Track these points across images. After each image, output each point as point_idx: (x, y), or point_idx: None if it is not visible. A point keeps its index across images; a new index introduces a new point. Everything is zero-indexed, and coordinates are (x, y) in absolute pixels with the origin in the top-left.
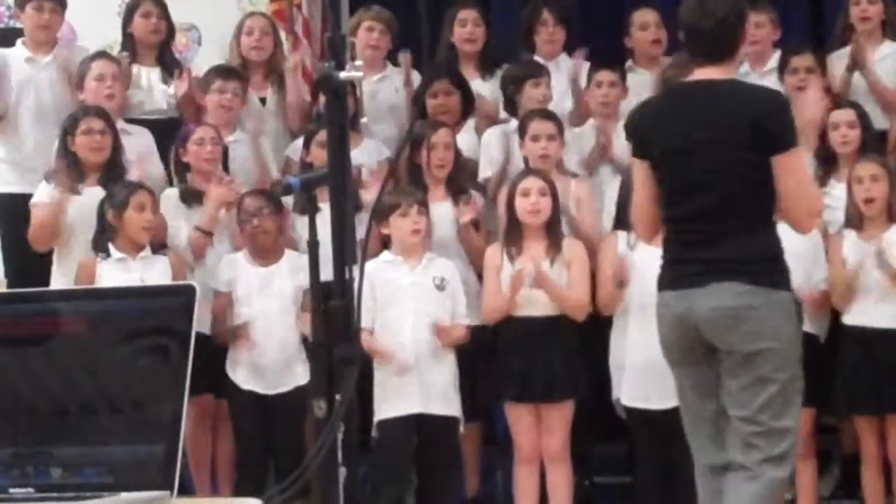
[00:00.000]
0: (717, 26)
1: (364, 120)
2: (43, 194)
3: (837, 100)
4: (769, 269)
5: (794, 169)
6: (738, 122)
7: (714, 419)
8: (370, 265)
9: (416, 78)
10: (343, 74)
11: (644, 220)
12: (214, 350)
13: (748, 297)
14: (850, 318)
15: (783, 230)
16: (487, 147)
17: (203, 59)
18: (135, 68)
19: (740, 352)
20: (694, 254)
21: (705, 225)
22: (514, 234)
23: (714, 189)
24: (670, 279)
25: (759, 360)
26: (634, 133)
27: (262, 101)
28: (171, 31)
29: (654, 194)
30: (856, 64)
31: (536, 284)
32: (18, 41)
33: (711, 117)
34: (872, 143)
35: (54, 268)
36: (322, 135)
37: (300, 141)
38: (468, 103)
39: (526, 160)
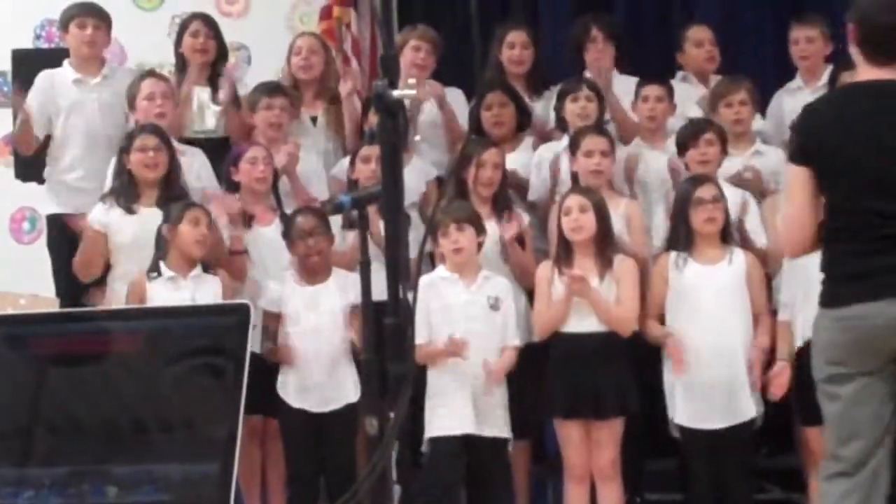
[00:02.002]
0: None
1: (417, 138)
2: (98, 215)
3: None
4: None
5: None
6: None
7: (877, 438)
8: (424, 279)
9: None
10: (396, 93)
11: (802, 232)
12: (264, 369)
13: None
14: None
15: None
16: (539, 166)
17: (253, 78)
18: (187, 88)
19: None
20: (888, 260)
21: (892, 229)
22: (564, 252)
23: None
24: (862, 291)
25: None
26: (799, 137)
27: (314, 119)
28: (222, 50)
29: (816, 203)
30: None
31: (582, 294)
32: (65, 62)
33: (887, 119)
34: None
35: (107, 288)
36: (365, 150)
37: (346, 160)
38: (523, 116)
39: (575, 176)
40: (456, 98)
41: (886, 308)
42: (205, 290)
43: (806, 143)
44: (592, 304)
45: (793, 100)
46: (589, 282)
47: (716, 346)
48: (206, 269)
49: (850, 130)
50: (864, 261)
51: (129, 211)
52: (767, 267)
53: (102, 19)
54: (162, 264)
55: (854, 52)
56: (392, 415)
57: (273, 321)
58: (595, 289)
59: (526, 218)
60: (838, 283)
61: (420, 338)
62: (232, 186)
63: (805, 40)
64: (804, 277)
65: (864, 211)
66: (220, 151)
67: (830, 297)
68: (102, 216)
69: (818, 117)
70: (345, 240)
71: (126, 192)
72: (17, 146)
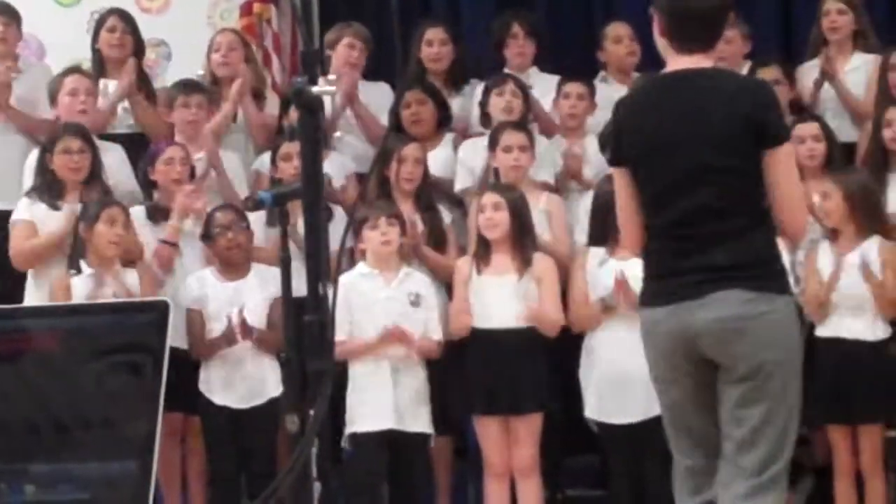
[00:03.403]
0: (715, 10)
1: (338, 134)
2: (23, 211)
3: (806, 111)
4: (771, 271)
5: (788, 164)
6: (731, 114)
7: (709, 436)
8: (345, 277)
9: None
10: (316, 89)
11: (633, 231)
12: (184, 366)
13: (754, 304)
14: (824, 329)
15: None
16: (464, 160)
17: (173, 74)
18: (102, 83)
19: (745, 365)
20: (688, 262)
21: (699, 228)
22: (482, 248)
23: (709, 187)
24: (659, 293)
25: (764, 373)
26: (612, 135)
27: (234, 117)
28: (139, 46)
29: (638, 201)
30: (825, 76)
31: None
32: None
33: (702, 109)
34: (837, 156)
35: (29, 284)
36: (285, 148)
37: (267, 155)
38: (443, 114)
39: (496, 171)
40: (383, 92)
41: (674, 314)
42: (125, 286)
43: (617, 142)
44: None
45: None
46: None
47: (631, 341)
48: (125, 265)
49: (656, 126)
50: (666, 261)
51: (54, 207)
52: None
53: (12, 16)
54: (82, 262)
55: (661, 43)
56: (312, 412)
57: (197, 319)
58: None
59: (448, 216)
60: (646, 283)
61: (341, 334)
62: (149, 184)
63: (724, 42)
64: None
65: (667, 207)
66: (137, 148)
67: (639, 298)
68: (26, 212)
69: (627, 112)
70: (267, 237)
71: (50, 189)
72: None
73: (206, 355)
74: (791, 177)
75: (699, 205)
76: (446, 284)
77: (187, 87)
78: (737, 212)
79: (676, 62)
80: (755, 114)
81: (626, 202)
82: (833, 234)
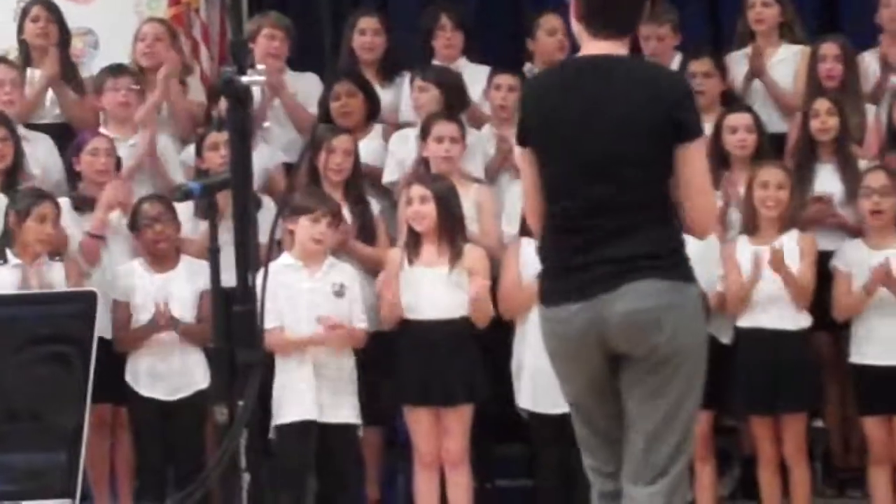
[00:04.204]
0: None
1: (267, 125)
2: None
3: (736, 102)
4: (679, 261)
5: (700, 160)
6: (645, 104)
7: (614, 434)
8: (270, 268)
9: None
10: (245, 79)
11: (533, 218)
12: (112, 357)
13: (668, 294)
14: (746, 321)
15: None
16: (394, 151)
17: (100, 64)
18: (29, 73)
19: (658, 355)
20: (594, 255)
21: (605, 219)
22: (412, 239)
23: (617, 177)
24: (567, 290)
25: (676, 362)
26: (520, 116)
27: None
28: (64, 35)
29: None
30: (754, 72)
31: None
32: None
33: (613, 97)
34: (767, 146)
35: None
36: (212, 138)
37: (192, 146)
38: (372, 106)
39: (427, 162)
40: (311, 83)
41: (584, 309)
42: (51, 278)
43: (524, 123)
44: (475, 308)
45: None
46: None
47: None
48: (52, 257)
49: (562, 109)
50: (569, 254)
51: None
52: None
53: None
54: (9, 251)
55: (577, 28)
56: (241, 402)
57: (124, 311)
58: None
59: (377, 207)
60: (546, 277)
61: (270, 324)
62: (74, 175)
63: (655, 39)
64: None
65: (570, 195)
66: (65, 138)
67: (541, 293)
68: None
69: (536, 95)
70: (197, 227)
71: None
72: None
73: (129, 345)
74: (703, 173)
75: (606, 194)
76: (376, 276)
77: (115, 70)
78: (643, 203)
79: (590, 47)
80: (671, 107)
81: (531, 184)
82: (751, 228)
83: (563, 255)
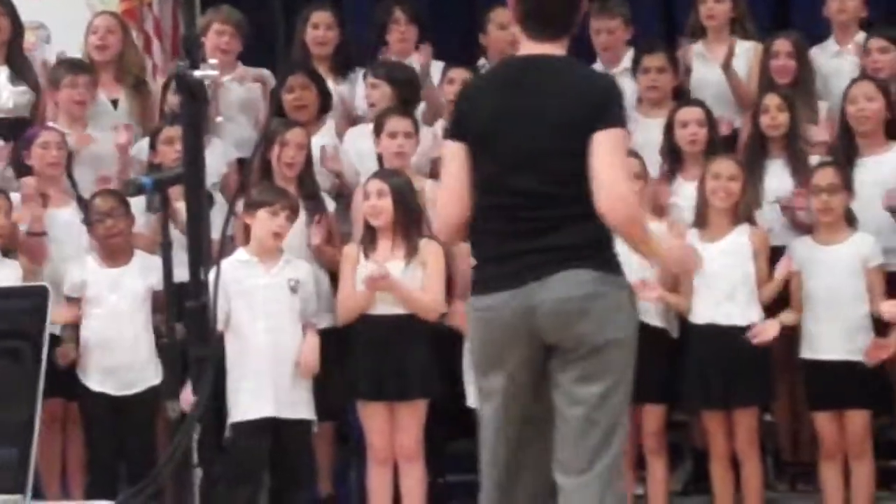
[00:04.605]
0: (560, 1)
1: (220, 119)
2: None
3: (687, 95)
4: (609, 254)
5: (608, 148)
6: (573, 102)
7: (539, 430)
8: (223, 264)
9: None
10: (198, 73)
11: (454, 210)
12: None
13: (596, 284)
14: (698, 315)
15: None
16: (347, 147)
17: (52, 57)
18: None
19: (587, 345)
20: (527, 244)
21: (537, 211)
22: (368, 234)
23: (547, 171)
24: (499, 277)
25: (606, 351)
26: (454, 112)
27: (114, 102)
28: (17, 29)
29: (472, 181)
30: (724, 68)
31: (385, 288)
32: None
33: (547, 95)
34: (718, 141)
35: None
36: (168, 132)
37: (145, 141)
38: (325, 99)
39: (381, 158)
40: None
41: (515, 297)
42: (4, 274)
43: (459, 119)
44: (397, 296)
45: None
46: (389, 277)
47: None
48: (5, 254)
49: (497, 106)
50: (503, 244)
51: None
52: None
53: None
54: None
55: (515, 29)
56: (193, 398)
57: (73, 308)
58: (397, 281)
59: (330, 203)
60: (479, 268)
61: (219, 322)
62: (25, 169)
63: (606, 32)
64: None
65: (505, 190)
66: (17, 132)
67: (472, 284)
68: None
69: (472, 92)
70: (148, 222)
71: None
72: None
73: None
74: (613, 161)
75: (539, 188)
76: (331, 272)
77: (75, 66)
78: (575, 197)
79: (527, 48)
80: (597, 103)
81: (455, 179)
82: (702, 222)
83: (494, 245)
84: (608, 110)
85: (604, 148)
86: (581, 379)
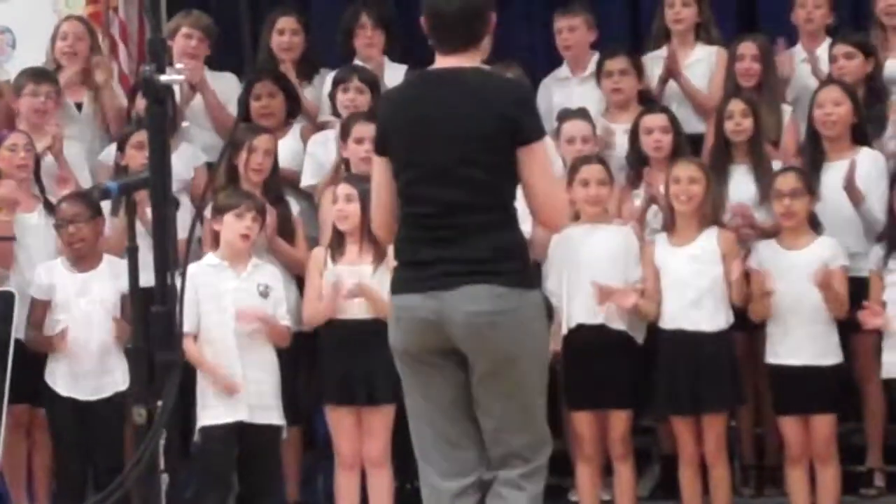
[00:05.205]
0: (462, 12)
1: (186, 124)
2: None
3: (652, 101)
4: (521, 268)
5: (540, 161)
6: (484, 112)
7: (457, 434)
8: (193, 268)
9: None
10: (164, 78)
11: (384, 218)
12: (31, 357)
13: (504, 300)
14: (666, 322)
15: (610, 230)
16: (313, 152)
17: (18, 62)
18: None
19: (496, 358)
20: (441, 253)
21: (452, 220)
22: (336, 239)
23: (463, 182)
24: (414, 280)
25: (516, 365)
26: (377, 126)
27: (78, 106)
28: None
29: (396, 190)
30: (670, 73)
31: (356, 294)
32: None
33: (457, 106)
34: (684, 147)
35: None
36: (137, 136)
37: (114, 146)
38: (293, 105)
39: (347, 163)
40: (228, 83)
41: (427, 301)
42: None
43: (381, 133)
44: (368, 301)
45: (561, 89)
46: (364, 285)
47: None
48: None
49: (412, 119)
50: (419, 250)
51: None
52: (533, 254)
53: None
54: None
55: (430, 41)
56: (160, 403)
57: (40, 309)
58: (367, 286)
59: (296, 206)
60: (398, 270)
61: (189, 326)
62: None
63: (567, 30)
64: (573, 263)
65: (421, 199)
66: None
67: (391, 284)
68: None
69: (390, 105)
70: (114, 226)
71: None
72: None
73: (39, 348)
74: (545, 173)
75: (452, 198)
76: (296, 277)
77: (38, 75)
78: (488, 207)
79: (440, 60)
80: (509, 113)
81: (381, 190)
82: (669, 226)
83: (411, 251)
84: (526, 122)
85: (534, 161)
86: (491, 392)
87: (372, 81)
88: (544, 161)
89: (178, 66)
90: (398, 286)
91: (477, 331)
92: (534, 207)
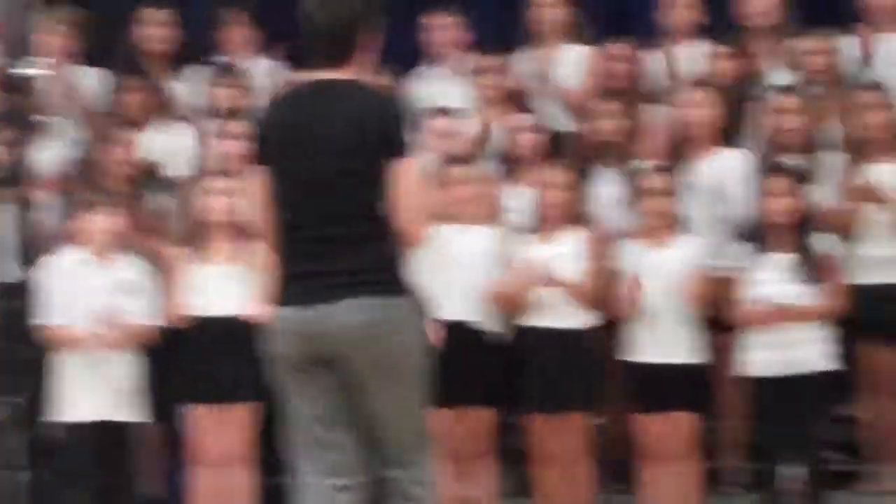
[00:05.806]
0: (330, 28)
1: (50, 118)
2: None
3: (521, 101)
4: (397, 275)
5: (404, 177)
6: (355, 125)
7: (334, 440)
8: (56, 263)
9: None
10: (26, 72)
11: (268, 230)
12: None
13: (382, 310)
14: (532, 320)
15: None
16: (181, 146)
17: None
18: None
19: (380, 367)
20: (318, 265)
21: (326, 232)
22: (200, 234)
23: (335, 193)
24: (293, 293)
25: (395, 372)
26: (255, 136)
27: None
28: None
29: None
30: (540, 77)
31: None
32: None
33: (329, 118)
34: (554, 146)
35: None
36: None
37: None
38: (157, 100)
39: (216, 158)
40: (96, 78)
41: (309, 313)
42: None
43: (258, 144)
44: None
45: (430, 85)
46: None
47: None
48: None
49: (287, 129)
50: (299, 263)
51: None
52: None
53: None
54: None
55: (306, 53)
56: (19, 399)
57: None
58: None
59: (161, 200)
60: (280, 281)
61: (53, 320)
62: None
63: (438, 28)
64: (444, 262)
65: (297, 211)
66: None
67: (272, 296)
68: None
69: (268, 116)
70: None
71: None
72: None
73: None
74: (409, 188)
75: (325, 210)
76: (162, 272)
77: None
78: (362, 218)
79: (316, 73)
80: (379, 126)
81: (265, 199)
82: (537, 227)
83: (288, 262)
84: (395, 137)
85: (400, 177)
86: (377, 399)
87: (243, 78)
88: (410, 179)
89: (45, 60)
90: (280, 298)
91: (360, 341)
92: (395, 221)
